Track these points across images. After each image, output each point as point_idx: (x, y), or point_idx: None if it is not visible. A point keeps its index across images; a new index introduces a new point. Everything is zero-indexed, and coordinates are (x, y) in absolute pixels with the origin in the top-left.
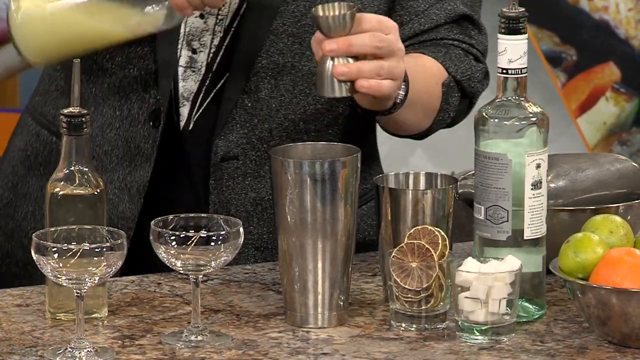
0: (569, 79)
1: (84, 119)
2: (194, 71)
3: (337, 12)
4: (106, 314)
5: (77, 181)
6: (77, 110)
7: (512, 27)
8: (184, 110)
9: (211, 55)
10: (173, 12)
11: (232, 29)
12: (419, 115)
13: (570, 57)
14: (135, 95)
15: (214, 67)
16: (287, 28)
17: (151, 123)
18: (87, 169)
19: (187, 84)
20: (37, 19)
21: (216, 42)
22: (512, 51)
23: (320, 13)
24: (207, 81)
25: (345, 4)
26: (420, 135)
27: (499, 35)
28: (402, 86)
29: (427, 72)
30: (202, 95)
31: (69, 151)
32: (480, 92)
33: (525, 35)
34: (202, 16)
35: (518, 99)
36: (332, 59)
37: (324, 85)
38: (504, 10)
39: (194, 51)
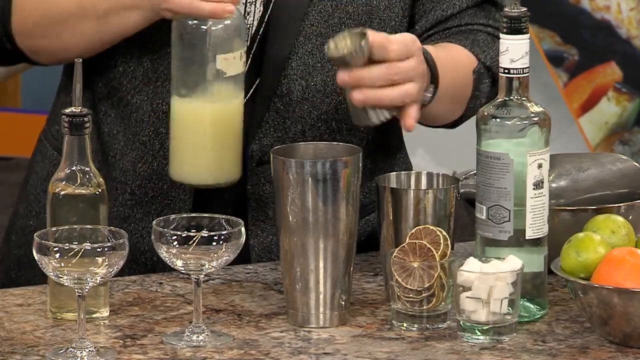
0: (571, 79)
1: (85, 119)
2: None
3: (348, 45)
4: (108, 314)
5: (79, 181)
6: (79, 110)
7: (514, 27)
8: None
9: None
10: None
11: (259, 36)
12: (450, 106)
13: (572, 56)
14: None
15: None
16: (315, 29)
17: None
18: (88, 169)
19: None
20: None
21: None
22: (514, 51)
23: (334, 53)
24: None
25: (355, 33)
26: (453, 124)
27: (501, 35)
28: (431, 87)
29: (458, 63)
30: None
31: (71, 151)
32: None
33: (527, 35)
34: None
35: (520, 98)
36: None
37: (356, 116)
38: (506, 10)
39: None
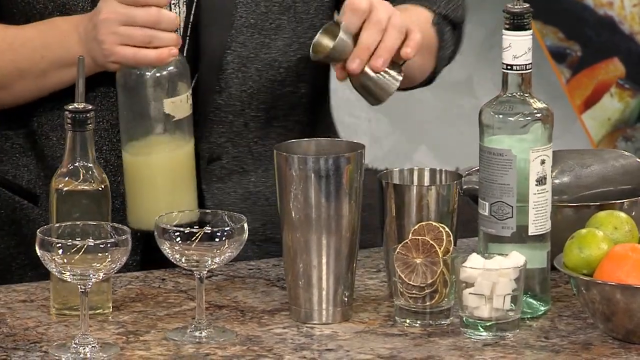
0: (574, 75)
1: (88, 115)
2: None
3: (327, 43)
4: (110, 310)
5: (82, 177)
6: (82, 106)
7: (516, 23)
8: None
9: None
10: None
11: (187, 37)
12: (423, 59)
13: (575, 53)
14: (110, 145)
15: None
16: (244, 20)
17: None
18: (91, 165)
19: None
20: None
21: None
22: (516, 47)
23: (321, 56)
24: None
25: (328, 27)
26: (429, 80)
27: (504, 31)
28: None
29: (419, 19)
30: None
31: (73, 147)
32: (465, 19)
33: (530, 31)
34: None
35: (523, 94)
36: (363, 71)
37: (377, 93)
38: (509, 6)
39: None
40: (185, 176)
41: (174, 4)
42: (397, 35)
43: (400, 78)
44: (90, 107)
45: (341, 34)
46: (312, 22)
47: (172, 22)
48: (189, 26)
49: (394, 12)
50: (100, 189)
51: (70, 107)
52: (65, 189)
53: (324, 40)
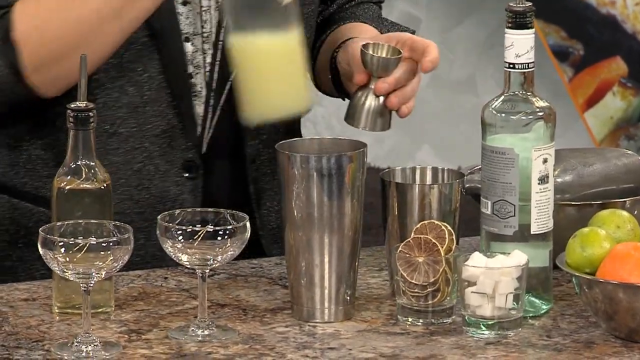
0: (576, 74)
1: (90, 113)
2: (195, 95)
3: (384, 54)
4: (113, 309)
5: (84, 175)
6: (84, 105)
7: (519, 22)
8: (204, 134)
9: (207, 73)
10: None
11: (220, 42)
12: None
13: (577, 51)
14: (159, 150)
15: (214, 85)
16: None
17: (186, 174)
18: (93, 164)
19: (195, 110)
20: None
21: (209, 59)
22: (519, 46)
23: (371, 51)
24: (211, 100)
25: (392, 49)
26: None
27: (506, 30)
28: None
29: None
30: (210, 115)
31: (75, 145)
32: None
33: (532, 30)
34: (187, 39)
35: (525, 93)
36: (377, 96)
37: (362, 119)
38: (511, 4)
39: (189, 76)
40: (294, 61)
41: (204, 10)
42: (416, 88)
43: (383, 130)
44: (92, 105)
45: (391, 54)
46: (311, 24)
47: None
48: (222, 31)
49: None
50: (102, 187)
51: (72, 105)
52: (68, 187)
53: (379, 50)
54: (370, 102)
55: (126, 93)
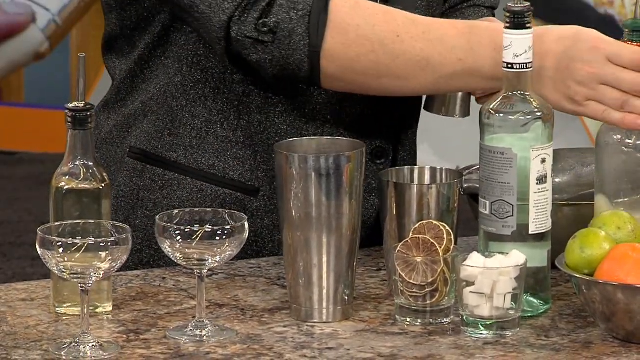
0: None
1: (88, 114)
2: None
3: None
4: (111, 309)
5: (82, 176)
6: (82, 105)
7: (517, 22)
8: None
9: None
10: None
11: None
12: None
13: None
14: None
15: None
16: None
17: (376, 160)
18: (91, 164)
19: None
20: None
21: None
22: (517, 46)
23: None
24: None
25: None
26: None
27: (504, 30)
28: None
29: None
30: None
31: (74, 145)
32: None
33: (531, 30)
34: None
35: (523, 93)
36: None
37: (458, 106)
38: (509, 4)
39: None
40: None
41: None
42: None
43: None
44: (90, 105)
45: None
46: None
47: None
48: None
49: None
50: (100, 187)
51: (70, 105)
52: (66, 187)
53: None
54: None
55: None
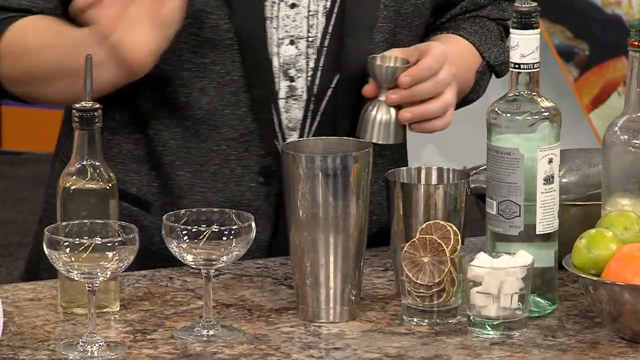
0: (581, 74)
1: (95, 113)
2: (296, 99)
3: (392, 64)
4: (118, 309)
5: (89, 175)
6: (89, 105)
7: (524, 22)
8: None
9: (309, 78)
10: None
11: (325, 48)
12: None
13: (583, 51)
14: (236, 154)
15: (315, 90)
16: (382, 35)
17: (261, 180)
18: (99, 164)
19: (292, 114)
20: None
21: (312, 64)
22: (524, 46)
23: (379, 62)
24: (312, 105)
25: (401, 60)
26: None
27: (511, 30)
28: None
29: (464, 61)
30: (309, 120)
31: (81, 145)
32: (507, 72)
33: (538, 30)
34: (292, 42)
35: (530, 93)
36: (390, 107)
37: (369, 131)
38: (517, 4)
39: (291, 79)
40: None
41: (312, 15)
42: (438, 110)
43: (397, 142)
44: (97, 105)
45: (400, 64)
46: (420, 36)
47: None
48: (327, 37)
49: (453, 83)
50: (107, 187)
51: (77, 105)
52: (73, 187)
53: (387, 61)
54: (381, 114)
55: (207, 94)
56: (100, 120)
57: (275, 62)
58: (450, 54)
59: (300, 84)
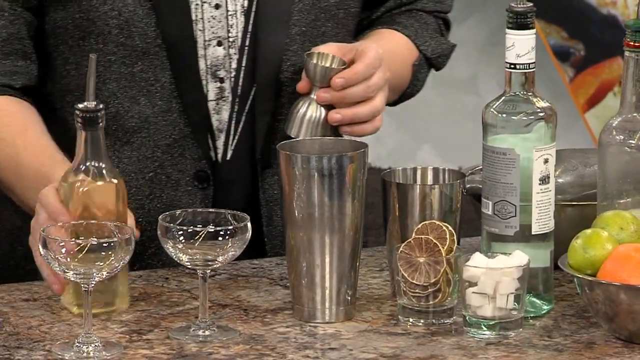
0: (577, 74)
1: (99, 114)
2: (224, 101)
3: (327, 64)
4: (127, 305)
5: (92, 175)
6: (93, 105)
7: (520, 22)
8: (219, 143)
9: (233, 79)
10: None
11: (246, 47)
12: (389, 96)
13: (578, 52)
14: (171, 159)
15: (239, 91)
16: (298, 29)
17: (197, 184)
18: (103, 164)
19: (222, 116)
20: None
21: (234, 65)
22: (520, 46)
23: (314, 60)
24: (236, 106)
25: (338, 59)
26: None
27: (507, 30)
28: None
29: (398, 55)
30: (234, 121)
31: (85, 146)
32: (445, 65)
33: (533, 30)
34: (219, 43)
35: (526, 93)
36: (320, 105)
37: (295, 127)
38: (512, 5)
39: (221, 80)
40: None
41: (231, 15)
42: (367, 114)
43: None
44: (101, 106)
45: (336, 64)
46: (349, 28)
47: None
48: (248, 36)
49: (385, 88)
50: (113, 182)
51: (80, 106)
52: (77, 187)
53: (323, 60)
54: (311, 111)
55: (138, 103)
56: (103, 121)
57: (203, 65)
58: (386, 51)
59: (227, 86)
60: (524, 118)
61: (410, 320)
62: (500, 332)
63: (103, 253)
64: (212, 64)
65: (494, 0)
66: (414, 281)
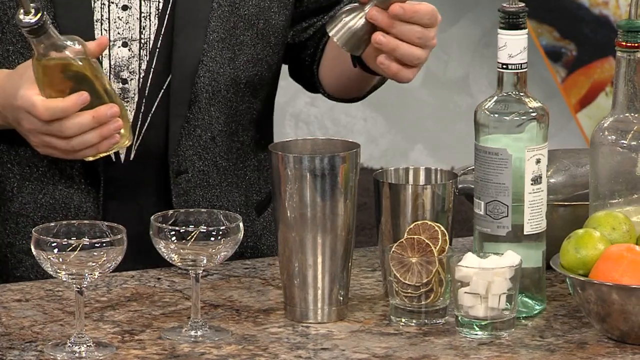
0: (569, 74)
1: (41, 21)
2: (127, 101)
3: None
4: (130, 142)
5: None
6: (34, 18)
7: (512, 22)
8: None
9: (141, 80)
10: None
11: (157, 50)
12: (367, 83)
13: (570, 52)
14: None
15: (146, 92)
16: (216, 35)
17: (89, 181)
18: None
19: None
20: None
21: (144, 66)
22: (512, 46)
23: None
24: (142, 107)
25: None
26: (358, 98)
27: (499, 30)
28: None
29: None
30: (139, 121)
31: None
32: None
33: (525, 31)
34: (125, 44)
35: (518, 94)
36: (367, 20)
37: (336, 29)
38: (504, 5)
39: (124, 81)
40: None
41: (144, 17)
42: (409, 56)
43: (355, 53)
44: (40, 13)
45: None
46: (269, 40)
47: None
48: (160, 39)
49: (428, 53)
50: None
51: (23, 22)
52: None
53: None
54: (356, 21)
55: None
56: (47, 19)
57: (106, 64)
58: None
59: (133, 86)
60: (516, 118)
61: (403, 320)
62: (493, 332)
63: (95, 253)
64: (116, 64)
65: (486, 1)
66: (406, 281)
